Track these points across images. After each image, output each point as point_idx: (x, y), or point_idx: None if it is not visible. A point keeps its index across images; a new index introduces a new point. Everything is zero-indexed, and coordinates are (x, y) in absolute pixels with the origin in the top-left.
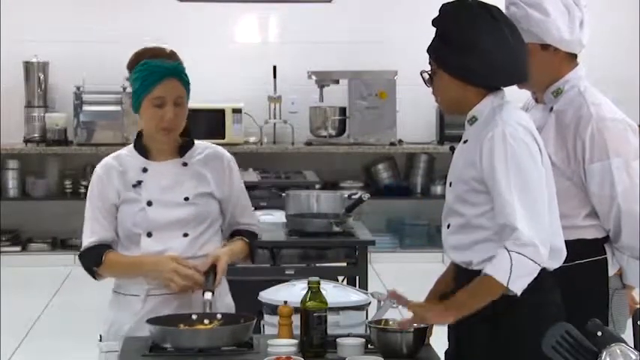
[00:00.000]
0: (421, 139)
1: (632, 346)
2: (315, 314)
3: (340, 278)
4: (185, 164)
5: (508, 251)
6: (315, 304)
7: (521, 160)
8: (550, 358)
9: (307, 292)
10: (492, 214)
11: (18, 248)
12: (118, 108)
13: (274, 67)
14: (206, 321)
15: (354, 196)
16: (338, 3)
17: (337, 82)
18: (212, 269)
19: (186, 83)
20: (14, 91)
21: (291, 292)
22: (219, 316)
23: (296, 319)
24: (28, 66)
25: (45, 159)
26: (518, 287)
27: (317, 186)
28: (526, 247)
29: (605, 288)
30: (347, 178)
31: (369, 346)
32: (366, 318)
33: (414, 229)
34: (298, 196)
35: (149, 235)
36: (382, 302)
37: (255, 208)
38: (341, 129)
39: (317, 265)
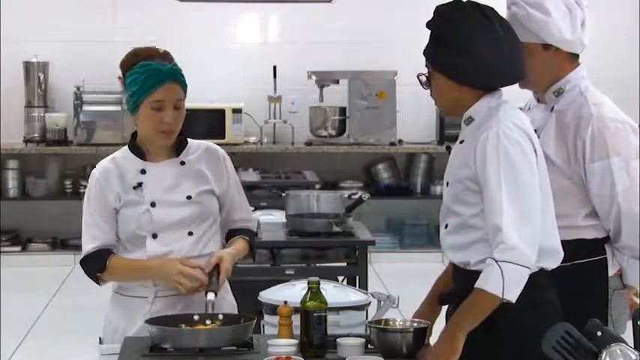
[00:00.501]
0: (421, 139)
1: (632, 346)
2: (315, 314)
3: (340, 278)
4: (183, 163)
5: (496, 262)
6: (315, 304)
7: (513, 160)
8: (548, 357)
9: (307, 292)
10: None
11: (18, 248)
12: (118, 108)
13: (274, 67)
14: (208, 321)
15: (354, 196)
16: (338, 3)
17: (337, 82)
18: (216, 270)
19: (184, 86)
20: (14, 91)
21: (291, 292)
22: (220, 316)
23: (296, 319)
24: (28, 66)
25: (45, 159)
26: (513, 295)
27: (317, 186)
28: (512, 253)
29: (605, 288)
30: (347, 178)
31: (369, 346)
32: (366, 318)
33: (414, 229)
34: (298, 196)
35: (154, 236)
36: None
37: (255, 208)
38: (341, 129)
39: (317, 265)
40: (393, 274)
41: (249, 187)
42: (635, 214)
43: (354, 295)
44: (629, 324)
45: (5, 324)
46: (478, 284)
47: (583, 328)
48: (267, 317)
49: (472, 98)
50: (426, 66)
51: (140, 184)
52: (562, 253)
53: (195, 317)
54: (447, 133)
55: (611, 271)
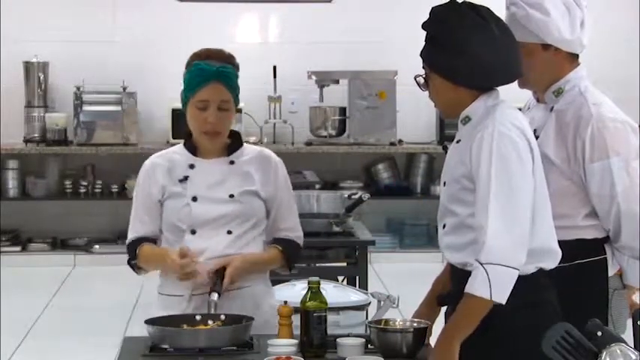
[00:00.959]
0: (421, 139)
1: (632, 346)
2: (315, 314)
3: (340, 278)
4: (232, 162)
5: (482, 265)
6: (315, 304)
7: (507, 159)
8: (548, 357)
9: (307, 292)
10: None
11: (18, 248)
12: (118, 108)
13: (274, 67)
14: (210, 322)
15: (354, 196)
16: (338, 3)
17: (337, 82)
18: (222, 271)
19: (232, 88)
20: (14, 91)
21: (291, 292)
22: (222, 316)
23: (296, 319)
24: (28, 66)
25: (45, 159)
26: (502, 297)
27: (317, 186)
28: (496, 254)
29: (605, 288)
30: (347, 178)
31: (369, 346)
32: (366, 318)
33: (414, 229)
34: (298, 196)
35: (193, 232)
36: (382, 302)
37: None
38: (341, 129)
39: (317, 265)
40: (393, 274)
41: None
42: (634, 214)
43: (354, 295)
44: (629, 324)
45: (5, 324)
46: (466, 289)
47: (583, 328)
48: None
49: (469, 98)
50: (423, 67)
51: (186, 178)
52: (560, 253)
53: (197, 317)
54: (447, 133)
55: (611, 271)
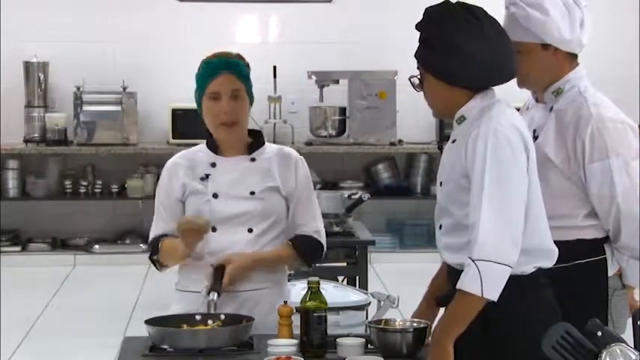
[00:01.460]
0: (421, 139)
1: (632, 346)
2: (315, 314)
3: (340, 278)
4: (253, 160)
5: (473, 261)
6: (315, 304)
7: (501, 157)
8: (548, 357)
9: (307, 292)
10: None
11: (18, 248)
12: (118, 108)
13: (274, 67)
14: (210, 322)
15: (354, 196)
16: (338, 3)
17: (337, 82)
18: (222, 270)
19: (243, 77)
20: (14, 91)
21: (291, 292)
22: (222, 316)
23: (296, 319)
24: (28, 66)
25: (45, 159)
26: (493, 294)
27: (317, 186)
28: (488, 250)
29: (604, 288)
30: (347, 178)
31: (369, 346)
32: (366, 318)
33: (414, 229)
34: None
35: (214, 229)
36: (382, 302)
37: None
38: (341, 129)
39: (317, 265)
40: (393, 274)
41: None
42: (634, 215)
43: (354, 295)
44: (629, 324)
45: (5, 324)
46: (458, 285)
47: (583, 328)
48: None
49: (464, 98)
50: (418, 68)
51: (207, 176)
52: (556, 252)
53: (197, 317)
54: (446, 133)
55: (611, 271)
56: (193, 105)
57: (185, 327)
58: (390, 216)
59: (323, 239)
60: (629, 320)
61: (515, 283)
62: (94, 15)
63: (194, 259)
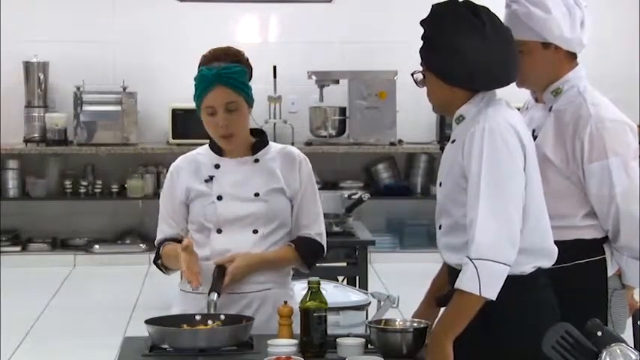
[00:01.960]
0: (421, 139)
1: (632, 346)
2: (315, 314)
3: (340, 278)
4: (257, 161)
5: (471, 260)
6: (315, 304)
7: (497, 155)
8: (548, 356)
9: (307, 292)
10: None
11: (18, 248)
12: (117, 108)
13: (274, 67)
14: (210, 322)
15: (354, 196)
16: (338, 3)
17: (337, 82)
18: (222, 270)
19: (237, 88)
20: (14, 91)
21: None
22: (222, 316)
23: (296, 319)
24: (28, 66)
25: (45, 159)
26: (491, 293)
27: (317, 186)
28: (486, 249)
29: (604, 288)
30: (347, 178)
31: (369, 346)
32: (366, 318)
33: (414, 229)
34: None
35: (219, 231)
36: (382, 302)
37: None
38: (341, 129)
39: (317, 265)
40: (393, 274)
41: None
42: (633, 215)
43: (354, 295)
44: (629, 324)
45: (5, 324)
46: (456, 284)
47: (583, 328)
48: None
49: (464, 98)
50: (421, 64)
51: (212, 178)
52: (556, 252)
53: (197, 317)
54: (447, 133)
55: (611, 271)
56: (193, 105)
57: (185, 327)
58: (390, 216)
59: (325, 242)
60: (629, 320)
61: (514, 282)
62: (94, 15)
63: (201, 260)
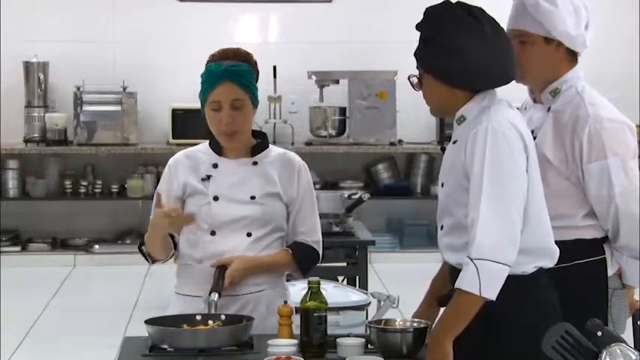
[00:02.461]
0: (421, 139)
1: (632, 346)
2: (315, 314)
3: (340, 278)
4: (255, 163)
5: (471, 260)
6: (315, 304)
7: (499, 155)
8: (548, 356)
9: (307, 292)
10: None
11: (18, 248)
12: (117, 108)
13: (274, 67)
14: (210, 322)
15: (354, 196)
16: (338, 3)
17: (337, 82)
18: (223, 270)
19: (245, 86)
20: (14, 91)
21: (291, 292)
22: (222, 317)
23: (296, 319)
24: (28, 66)
25: (45, 159)
26: (491, 293)
27: (317, 186)
28: (486, 249)
29: (604, 288)
30: (347, 178)
31: (369, 346)
32: (366, 318)
33: (414, 229)
34: None
35: (213, 233)
36: (382, 302)
37: None
38: (341, 129)
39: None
40: (393, 274)
41: None
42: (633, 214)
43: (354, 295)
44: (629, 324)
45: (5, 324)
46: (456, 284)
47: (583, 328)
48: None
49: (463, 99)
50: (417, 67)
51: (209, 177)
52: (557, 252)
53: (198, 317)
54: (447, 133)
55: (611, 271)
56: (193, 105)
57: (185, 327)
58: (390, 216)
59: (321, 250)
60: (629, 320)
61: (516, 282)
62: (94, 15)
63: (194, 262)
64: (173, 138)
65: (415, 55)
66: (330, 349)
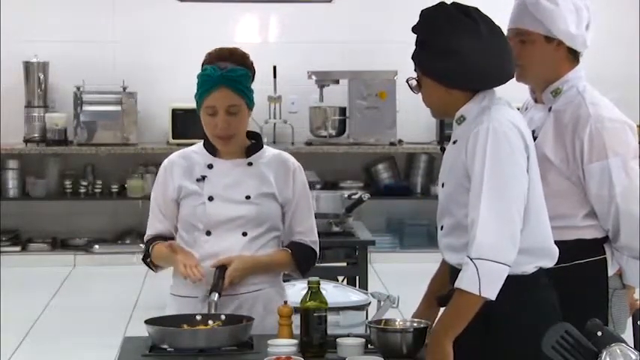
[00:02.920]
0: (421, 139)
1: (632, 346)
2: (315, 314)
3: (340, 278)
4: (250, 164)
5: (471, 260)
6: (315, 304)
7: (500, 155)
8: (548, 356)
9: (307, 292)
10: None
11: (18, 248)
12: (117, 108)
13: (274, 67)
14: (210, 322)
15: (354, 196)
16: (338, 3)
17: (337, 82)
18: (223, 270)
19: (240, 91)
20: (14, 91)
21: (291, 292)
22: (222, 317)
23: (296, 319)
24: (28, 66)
25: (45, 159)
26: (491, 293)
27: (317, 186)
28: (486, 249)
29: (604, 288)
30: (347, 178)
31: (369, 346)
32: (366, 318)
33: (414, 229)
34: None
35: (208, 233)
36: (382, 302)
37: None
38: (341, 129)
39: (317, 265)
40: (393, 274)
41: None
42: (633, 214)
43: (354, 295)
44: (630, 324)
45: (5, 324)
46: (456, 284)
47: (583, 328)
48: None
49: (463, 99)
50: (415, 70)
51: (204, 178)
52: (557, 252)
53: (198, 317)
54: (447, 133)
55: (611, 271)
56: (193, 105)
57: (185, 327)
58: (390, 216)
59: (318, 251)
60: (629, 320)
61: (516, 282)
62: (94, 15)
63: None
64: (173, 138)
65: (412, 58)
66: (330, 349)
